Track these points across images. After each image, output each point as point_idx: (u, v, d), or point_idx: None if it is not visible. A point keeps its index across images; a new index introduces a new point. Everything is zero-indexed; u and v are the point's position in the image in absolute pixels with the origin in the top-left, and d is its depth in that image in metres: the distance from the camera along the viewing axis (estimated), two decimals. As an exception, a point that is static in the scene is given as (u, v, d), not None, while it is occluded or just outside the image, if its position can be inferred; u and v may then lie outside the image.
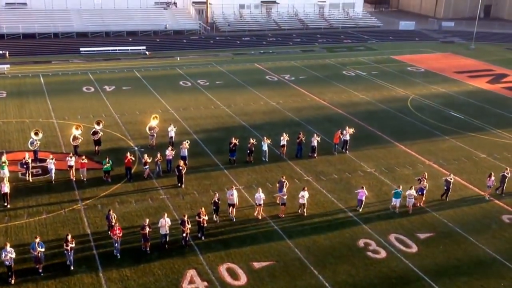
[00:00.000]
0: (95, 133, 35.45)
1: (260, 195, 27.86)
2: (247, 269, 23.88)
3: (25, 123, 40.78)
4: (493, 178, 30.91)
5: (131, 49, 67.63)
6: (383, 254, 25.44)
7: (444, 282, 23.52)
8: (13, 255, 22.15)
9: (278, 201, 28.81)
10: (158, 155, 32.47)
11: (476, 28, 79.43)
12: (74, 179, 31.45)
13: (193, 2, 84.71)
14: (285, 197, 28.28)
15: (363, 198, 29.16)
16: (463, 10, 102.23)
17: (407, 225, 28.08)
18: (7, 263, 22.09)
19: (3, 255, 21.94)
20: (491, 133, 42.08)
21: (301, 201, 28.50)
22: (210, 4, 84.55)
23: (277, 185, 30.01)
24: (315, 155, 36.03)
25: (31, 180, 31.42)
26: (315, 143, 35.98)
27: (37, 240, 22.73)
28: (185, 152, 33.47)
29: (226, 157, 34.73)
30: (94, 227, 26.77)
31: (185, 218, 25.06)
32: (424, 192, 29.84)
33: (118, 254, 24.36)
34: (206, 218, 25.89)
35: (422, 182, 29.95)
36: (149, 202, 29.51)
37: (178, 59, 64.93)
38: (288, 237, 26.55)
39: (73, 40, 71.77)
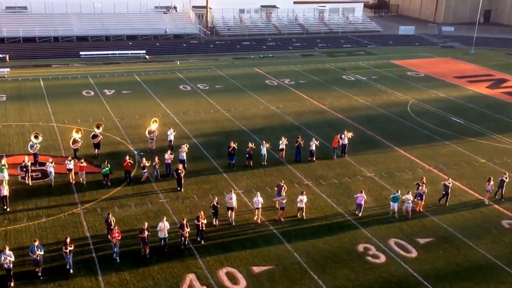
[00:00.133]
0: (94, 136, 35.48)
1: (259, 199, 27.86)
2: (246, 273, 23.84)
3: (25, 126, 40.80)
4: (492, 182, 30.97)
5: (131, 53, 67.75)
6: (382, 258, 25.41)
7: (443, 287, 23.48)
8: (12, 259, 22.14)
9: (277, 205, 28.82)
10: (156, 159, 32.49)
11: (476, 33, 79.58)
12: (73, 182, 31.46)
13: (193, 7, 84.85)
14: (284, 201, 28.29)
15: (362, 202, 29.15)
16: (463, 15, 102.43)
17: (406, 229, 28.05)
18: (6, 266, 22.05)
19: (3, 258, 21.91)
20: (491, 138, 42.09)
21: (299, 205, 28.50)
22: (210, 8, 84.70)
23: (275, 189, 30.01)
24: (314, 158, 36.05)
25: (30, 184, 31.41)
26: (313, 147, 35.99)
27: (36, 243, 22.70)
28: (183, 156, 33.47)
29: (225, 161, 34.72)
30: (94, 231, 26.74)
31: (184, 222, 25.06)
32: (423, 197, 29.87)
33: (118, 258, 24.33)
34: (205, 221, 25.87)
35: (421, 187, 29.97)
36: (148, 206, 29.49)
37: (178, 63, 65.01)
38: (287, 241, 26.52)
39: (73, 44, 71.92)
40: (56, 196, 30.05)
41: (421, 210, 29.92)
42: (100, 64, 62.87)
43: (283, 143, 35.77)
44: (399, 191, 29.58)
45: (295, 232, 27.35)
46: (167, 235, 25.00)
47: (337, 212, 29.68)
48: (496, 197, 31.67)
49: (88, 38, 74.02)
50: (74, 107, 45.90)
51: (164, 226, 24.81)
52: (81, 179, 31.47)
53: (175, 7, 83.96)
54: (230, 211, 27.82)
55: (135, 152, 36.46)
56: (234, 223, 27.79)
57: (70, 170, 31.49)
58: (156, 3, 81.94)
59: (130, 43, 72.93)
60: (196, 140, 39.20)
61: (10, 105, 45.85)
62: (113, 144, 37.81)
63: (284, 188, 29.19)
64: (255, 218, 28.20)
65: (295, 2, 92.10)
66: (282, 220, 28.29)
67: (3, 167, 30.51)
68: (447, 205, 30.70)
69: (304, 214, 28.63)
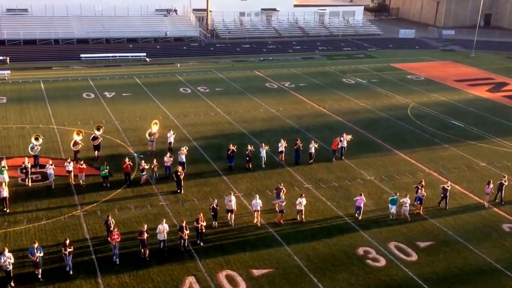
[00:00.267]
0: (95, 138, 35.49)
1: (257, 201, 27.85)
2: (246, 276, 23.80)
3: (25, 129, 40.79)
4: (491, 185, 30.96)
5: (131, 56, 67.77)
6: (382, 262, 25.37)
7: (443, 291, 23.51)
8: (12, 260, 22.14)
9: (276, 208, 28.79)
10: (155, 161, 32.49)
11: (476, 37, 79.65)
12: (73, 184, 31.44)
13: (194, 9, 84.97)
14: (283, 204, 28.26)
15: (362, 205, 29.12)
16: (463, 19, 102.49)
17: (407, 233, 28.02)
18: (6, 268, 22.02)
19: (2, 260, 21.88)
20: (491, 142, 42.09)
21: (298, 207, 28.50)
22: (210, 11, 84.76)
23: (274, 191, 30.00)
24: (312, 161, 36.04)
25: (30, 185, 31.41)
26: (312, 150, 36.01)
27: (36, 245, 22.68)
28: (183, 158, 33.47)
29: (225, 164, 34.72)
30: (93, 233, 26.72)
31: (184, 224, 25.04)
32: (423, 200, 29.83)
33: (117, 260, 24.30)
34: (204, 224, 25.85)
35: (420, 191, 29.94)
36: (148, 208, 29.47)
37: (178, 65, 65.05)
38: (287, 244, 26.49)
39: (74, 46, 71.90)
40: (56, 198, 30.03)
41: (421, 213, 29.90)
42: (101, 67, 62.91)
43: (282, 145, 35.79)
44: (398, 194, 29.58)
45: (295, 235, 27.33)
46: (166, 237, 24.97)
47: (337, 215, 29.65)
48: (496, 200, 31.66)
49: (88, 40, 74.03)
50: (74, 109, 45.91)
51: (163, 228, 24.80)
52: (81, 181, 31.46)
53: (175, 10, 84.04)
54: (229, 213, 27.82)
55: (135, 154, 36.45)
56: (233, 225, 27.78)
57: (69, 172, 31.50)
58: (156, 6, 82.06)
59: (131, 46, 72.95)
60: (196, 142, 39.20)
61: (11, 107, 45.87)
62: (113, 147, 37.80)
63: (283, 191, 29.17)
64: (254, 221, 28.17)
65: (295, 5, 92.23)
66: (282, 222, 28.27)
67: (3, 168, 30.50)
68: (447, 208, 30.67)
69: (303, 216, 28.61)
